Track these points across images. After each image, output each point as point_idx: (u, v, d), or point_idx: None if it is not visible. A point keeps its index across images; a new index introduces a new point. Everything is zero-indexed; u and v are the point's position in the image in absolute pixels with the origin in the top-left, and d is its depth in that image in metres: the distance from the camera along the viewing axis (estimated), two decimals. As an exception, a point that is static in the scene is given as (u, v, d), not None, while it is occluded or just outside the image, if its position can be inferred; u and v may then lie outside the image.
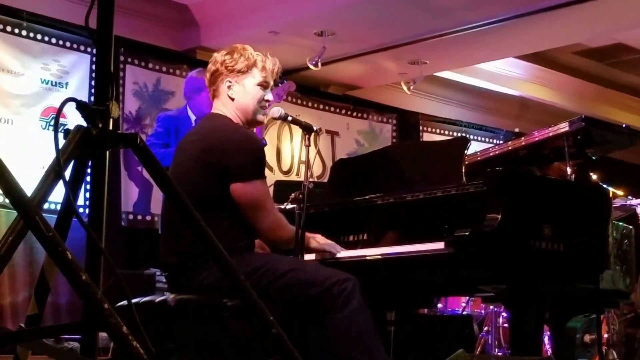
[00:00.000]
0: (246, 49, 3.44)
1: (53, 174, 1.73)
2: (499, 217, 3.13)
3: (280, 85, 5.64)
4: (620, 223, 3.88)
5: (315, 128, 3.57)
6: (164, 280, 5.16)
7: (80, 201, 5.37)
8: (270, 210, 3.31)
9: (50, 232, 1.55)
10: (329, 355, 3.07)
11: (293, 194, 3.45)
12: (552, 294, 3.48)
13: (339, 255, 3.50)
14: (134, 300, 3.03)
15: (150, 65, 7.24)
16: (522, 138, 4.03)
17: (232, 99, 3.40)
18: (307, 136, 3.52)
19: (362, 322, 3.07)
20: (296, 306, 3.12)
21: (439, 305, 6.66)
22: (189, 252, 3.18)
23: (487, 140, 9.75)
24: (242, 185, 3.21)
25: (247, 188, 3.22)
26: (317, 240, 3.50)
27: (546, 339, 4.78)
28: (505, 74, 9.28)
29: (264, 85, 3.44)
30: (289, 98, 8.20)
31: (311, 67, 7.31)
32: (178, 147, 3.49)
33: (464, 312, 6.54)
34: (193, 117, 5.29)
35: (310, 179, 3.49)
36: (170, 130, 5.34)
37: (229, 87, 3.39)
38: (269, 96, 3.48)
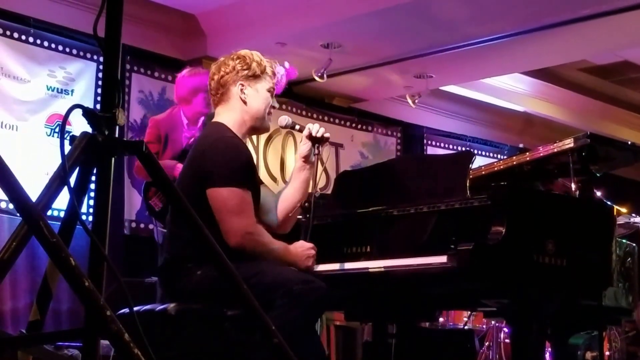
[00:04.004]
0: (255, 54, 3.44)
1: (58, 180, 1.73)
2: (503, 231, 3.12)
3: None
4: (624, 240, 3.88)
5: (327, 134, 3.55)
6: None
7: (83, 209, 5.37)
8: (241, 219, 3.17)
9: (54, 238, 1.55)
10: None
11: (306, 203, 3.44)
12: (554, 310, 3.48)
13: (347, 266, 3.49)
14: (134, 309, 3.03)
15: (156, 74, 7.26)
16: (527, 153, 4.03)
17: (245, 103, 3.38)
18: (317, 146, 3.51)
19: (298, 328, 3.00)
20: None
21: (441, 319, 6.64)
22: (174, 258, 3.23)
23: (491, 155, 9.75)
24: (216, 190, 3.18)
25: (219, 193, 3.17)
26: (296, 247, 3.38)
27: (547, 355, 4.77)
28: (511, 89, 9.28)
29: (271, 92, 3.45)
30: (294, 109, 8.21)
31: (317, 78, 7.32)
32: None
33: (466, 327, 6.53)
34: (186, 121, 5.25)
35: (315, 191, 3.48)
36: (161, 137, 5.25)
37: (241, 90, 3.37)
38: (275, 103, 3.49)
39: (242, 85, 3.37)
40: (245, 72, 3.37)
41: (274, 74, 3.44)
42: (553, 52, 7.51)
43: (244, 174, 3.25)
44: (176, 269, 3.23)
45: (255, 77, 3.39)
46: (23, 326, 1.90)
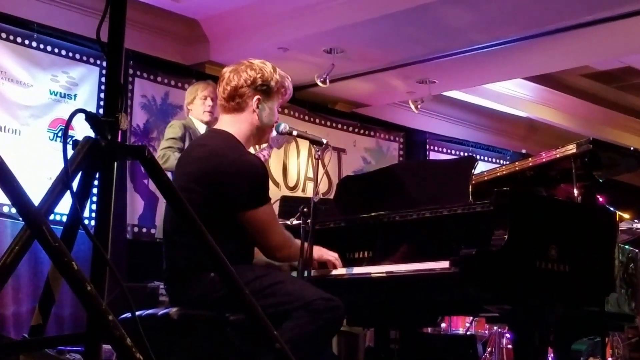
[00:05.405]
0: (277, 69, 3.42)
1: (60, 185, 1.73)
2: (505, 237, 3.12)
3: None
4: (627, 246, 3.87)
5: (324, 141, 3.57)
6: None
7: (86, 213, 5.37)
8: (277, 232, 3.31)
9: (57, 243, 1.55)
10: None
11: (305, 208, 3.44)
12: (557, 316, 3.47)
13: (343, 272, 3.49)
14: (137, 313, 3.03)
15: (159, 79, 7.27)
16: (530, 159, 4.02)
17: (258, 117, 3.35)
18: (317, 150, 3.51)
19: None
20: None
21: (443, 325, 6.64)
22: (183, 263, 3.21)
23: (493, 160, 9.76)
24: (250, 214, 3.20)
25: (254, 215, 3.21)
26: (321, 251, 3.49)
27: (550, 361, 4.76)
28: (513, 95, 9.29)
29: (277, 109, 3.45)
30: (296, 114, 8.22)
31: (319, 84, 7.33)
32: (180, 160, 3.46)
33: (468, 332, 6.52)
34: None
35: (317, 195, 3.48)
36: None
37: (257, 105, 3.34)
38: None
39: (259, 100, 3.35)
40: (265, 87, 3.35)
41: (285, 91, 3.44)
42: (556, 58, 7.51)
43: (267, 190, 3.32)
44: (185, 274, 3.19)
45: (271, 94, 3.37)
46: (25, 331, 1.90)
